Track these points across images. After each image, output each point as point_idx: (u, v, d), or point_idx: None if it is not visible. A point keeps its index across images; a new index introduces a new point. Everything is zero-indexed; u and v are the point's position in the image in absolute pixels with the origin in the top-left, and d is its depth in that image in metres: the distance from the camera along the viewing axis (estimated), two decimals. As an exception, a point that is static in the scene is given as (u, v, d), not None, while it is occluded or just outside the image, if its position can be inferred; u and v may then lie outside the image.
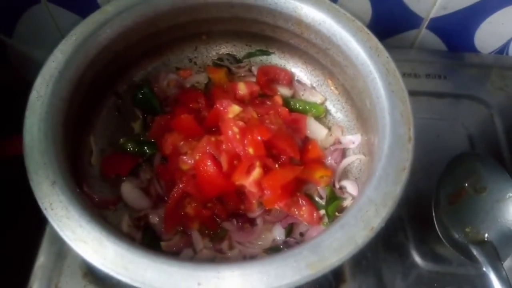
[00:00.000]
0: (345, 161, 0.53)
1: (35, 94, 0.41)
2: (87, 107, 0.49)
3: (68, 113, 0.43)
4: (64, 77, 0.43)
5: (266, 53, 0.60)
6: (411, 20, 0.68)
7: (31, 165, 0.37)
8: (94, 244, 0.34)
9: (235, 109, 0.49)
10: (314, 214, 0.49)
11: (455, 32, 0.70)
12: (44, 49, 0.68)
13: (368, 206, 0.38)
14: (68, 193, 0.36)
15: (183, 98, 0.56)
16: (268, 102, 0.56)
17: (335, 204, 0.49)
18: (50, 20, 0.71)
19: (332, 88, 0.57)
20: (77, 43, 0.45)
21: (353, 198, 0.49)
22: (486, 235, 0.51)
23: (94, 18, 0.47)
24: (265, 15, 0.53)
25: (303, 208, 0.49)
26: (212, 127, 0.51)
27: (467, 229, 0.52)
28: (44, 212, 0.36)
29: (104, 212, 0.48)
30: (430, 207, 0.53)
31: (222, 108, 0.49)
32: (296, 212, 0.49)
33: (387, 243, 0.54)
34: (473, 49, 0.73)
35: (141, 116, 0.56)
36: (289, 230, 0.50)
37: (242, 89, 0.56)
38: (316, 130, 0.55)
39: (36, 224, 0.51)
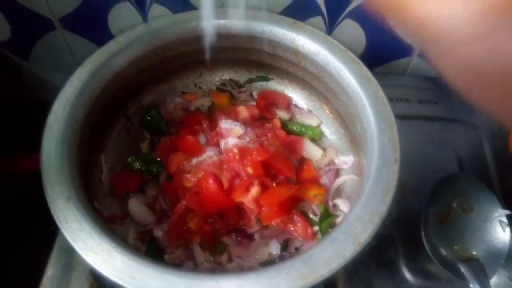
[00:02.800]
0: (338, 181, 0.56)
1: (53, 117, 0.45)
2: (99, 129, 0.52)
3: (82, 134, 0.46)
4: (79, 102, 0.47)
5: (266, 79, 0.64)
6: (403, 49, 0.71)
7: (48, 182, 0.41)
8: (104, 254, 0.37)
9: (236, 131, 0.53)
10: (308, 230, 0.51)
11: None
12: (57, 72, 0.71)
13: (356, 222, 0.41)
14: (81, 208, 0.40)
15: (188, 120, 0.59)
16: (267, 125, 0.59)
17: (328, 221, 0.52)
18: (64, 46, 0.75)
19: (327, 112, 0.61)
20: (92, 70, 0.49)
21: (342, 216, 0.52)
22: (474, 253, 0.53)
23: (108, 48, 0.51)
24: (265, 45, 0.57)
25: (298, 224, 0.52)
26: (214, 146, 0.54)
27: (455, 247, 0.54)
28: (59, 225, 0.39)
29: (112, 226, 0.51)
30: (420, 225, 0.54)
31: (224, 130, 0.53)
32: (292, 228, 0.52)
33: (379, 259, 0.56)
34: None
35: (148, 137, 0.59)
36: (285, 245, 0.52)
37: (243, 112, 0.59)
38: (312, 151, 0.58)
39: (45, 237, 0.54)
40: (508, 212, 0.54)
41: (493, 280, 0.53)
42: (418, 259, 0.57)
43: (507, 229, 0.53)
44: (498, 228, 0.55)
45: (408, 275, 0.55)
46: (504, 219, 0.54)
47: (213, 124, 0.57)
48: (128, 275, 0.36)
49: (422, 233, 0.54)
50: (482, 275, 0.50)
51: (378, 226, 0.40)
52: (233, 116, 0.59)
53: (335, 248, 0.39)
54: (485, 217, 0.55)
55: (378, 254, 0.56)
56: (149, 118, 0.59)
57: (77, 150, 0.45)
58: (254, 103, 0.62)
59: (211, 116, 0.60)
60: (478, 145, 0.68)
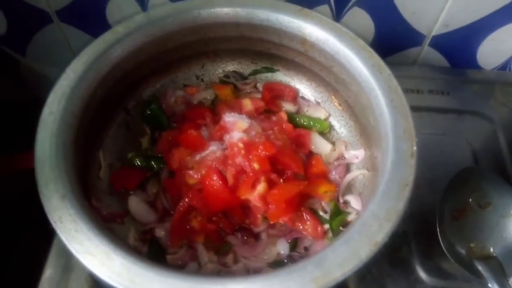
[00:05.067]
0: (349, 176, 0.53)
1: (47, 110, 0.43)
2: (97, 123, 0.50)
3: (79, 129, 0.44)
4: (75, 94, 0.44)
5: (271, 70, 0.61)
6: (413, 38, 0.69)
7: (42, 179, 0.38)
8: (102, 257, 0.35)
9: (241, 124, 0.50)
10: (319, 229, 0.49)
11: (458, 49, 0.71)
12: (56, 67, 0.69)
13: (372, 221, 0.38)
14: (77, 207, 0.37)
15: (190, 114, 0.57)
16: (273, 118, 0.56)
17: (339, 219, 0.49)
18: (62, 39, 0.73)
19: (336, 104, 0.58)
20: (88, 62, 0.47)
21: (357, 212, 0.50)
22: (492, 250, 0.51)
23: (105, 38, 0.49)
24: (270, 34, 0.54)
25: (308, 222, 0.49)
26: (218, 141, 0.51)
27: (471, 245, 0.52)
28: (53, 225, 0.37)
29: (111, 225, 0.48)
30: (434, 222, 0.53)
31: (228, 124, 0.50)
32: (301, 227, 0.49)
33: (392, 258, 0.54)
34: (475, 65, 0.73)
35: (149, 132, 0.57)
36: (294, 245, 0.50)
37: (247, 105, 0.57)
38: (320, 145, 0.56)
39: (43, 237, 0.52)
40: (528, 207, 0.52)
41: None
42: (433, 258, 0.55)
43: (527, 225, 0.51)
44: (517, 224, 0.52)
45: (422, 274, 0.54)
46: (523, 215, 0.52)
47: (217, 118, 0.55)
48: (127, 279, 0.34)
49: (438, 230, 0.52)
50: (501, 274, 0.48)
51: (395, 224, 0.38)
52: (237, 109, 0.56)
53: (349, 249, 0.36)
54: (503, 212, 0.53)
55: (391, 253, 0.55)
56: (149, 112, 0.57)
57: (73, 145, 0.42)
58: (259, 96, 0.60)
59: (214, 109, 0.58)
60: (493, 137, 0.66)
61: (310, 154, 0.56)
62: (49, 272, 0.51)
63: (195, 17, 0.53)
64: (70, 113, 0.43)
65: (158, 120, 0.57)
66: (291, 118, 0.57)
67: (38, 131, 0.41)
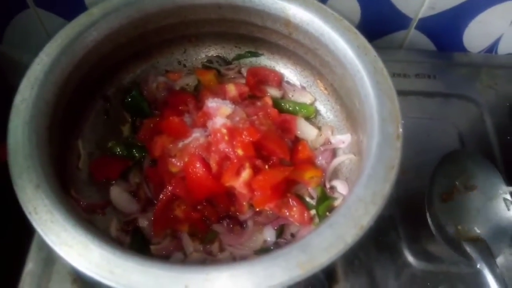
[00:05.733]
0: (336, 161, 0.53)
1: (20, 97, 0.41)
2: (74, 111, 0.48)
3: (54, 117, 0.42)
4: (49, 80, 0.42)
5: (255, 54, 0.60)
6: (399, 21, 0.69)
7: (15, 168, 0.37)
8: (79, 248, 0.33)
9: (224, 110, 0.49)
10: (305, 215, 0.48)
11: (444, 32, 0.71)
12: (33, 54, 0.67)
13: (357, 204, 0.37)
14: (52, 197, 0.36)
15: (172, 101, 0.55)
16: (258, 103, 0.55)
17: (325, 204, 0.49)
18: (39, 25, 0.71)
19: (321, 88, 0.57)
20: (62, 45, 0.45)
21: (344, 197, 0.49)
22: (479, 232, 0.51)
23: (80, 21, 0.47)
24: (253, 16, 0.53)
25: (294, 208, 0.49)
26: (201, 128, 0.50)
27: (459, 227, 0.52)
28: (28, 216, 0.35)
29: (92, 216, 0.47)
30: (421, 206, 0.53)
31: (211, 110, 0.49)
32: (287, 213, 0.49)
33: (379, 242, 0.54)
34: (462, 48, 0.73)
35: (130, 119, 0.56)
36: (280, 231, 0.49)
37: (231, 90, 0.55)
38: (306, 131, 0.55)
39: (24, 230, 0.50)
40: (512, 189, 0.52)
41: (499, 260, 0.52)
42: (421, 241, 0.55)
43: (512, 207, 0.51)
44: (502, 206, 0.53)
45: (410, 258, 0.54)
46: (509, 197, 0.53)
47: (200, 105, 0.54)
48: (107, 269, 0.32)
49: (427, 212, 0.51)
50: (489, 255, 0.49)
51: (381, 208, 0.37)
52: (221, 95, 0.55)
53: (335, 233, 0.35)
54: (489, 194, 0.54)
55: (378, 237, 0.55)
56: (129, 99, 0.56)
57: (48, 133, 0.41)
58: (243, 81, 0.59)
59: (197, 95, 0.57)
60: (480, 120, 0.66)
61: (296, 140, 0.55)
62: (30, 266, 0.50)
63: (175, -2, 0.51)
64: (44, 100, 0.41)
65: (139, 107, 0.56)
66: (276, 103, 0.56)
67: (11, 119, 0.40)
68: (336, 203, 0.49)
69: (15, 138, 0.38)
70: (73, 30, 0.46)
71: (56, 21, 0.69)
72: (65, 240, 0.34)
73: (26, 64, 0.77)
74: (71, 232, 0.34)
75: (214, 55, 0.61)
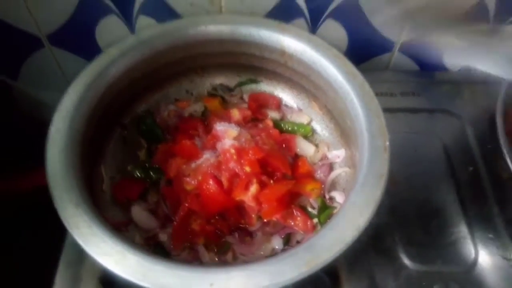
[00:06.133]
0: (333, 174, 0.58)
1: (54, 128, 0.46)
2: (97, 139, 0.53)
3: (83, 145, 0.48)
4: (78, 112, 0.48)
5: (255, 81, 0.66)
6: (384, 45, 0.73)
7: (56, 190, 0.42)
8: (117, 256, 0.38)
9: (231, 132, 0.54)
10: (308, 223, 0.53)
11: (425, 53, 0.75)
12: (47, 89, 0.72)
13: (353, 209, 0.43)
14: (90, 214, 0.41)
15: (183, 126, 0.61)
16: (260, 125, 0.61)
17: (326, 213, 0.54)
18: (53, 62, 0.75)
19: (316, 109, 0.63)
20: (87, 82, 0.50)
21: (339, 207, 0.54)
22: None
23: (101, 60, 0.53)
24: (252, 48, 0.59)
25: (298, 218, 0.53)
26: (211, 149, 0.55)
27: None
28: (70, 231, 0.40)
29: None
30: (414, 213, 0.57)
31: (219, 132, 0.55)
32: (292, 223, 0.53)
33: (377, 247, 0.58)
34: (442, 67, 0.78)
35: (145, 145, 0.61)
36: (287, 240, 0.54)
37: (235, 115, 0.61)
38: (305, 148, 0.60)
39: (50, 252, 0.54)
40: None
41: (485, 258, 0.56)
42: (415, 245, 0.58)
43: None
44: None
45: (406, 260, 0.57)
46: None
47: (208, 128, 0.59)
48: (141, 273, 0.37)
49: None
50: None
51: (375, 210, 0.42)
52: (227, 119, 0.60)
53: (335, 234, 0.40)
54: None
55: (377, 243, 0.58)
56: (144, 127, 0.61)
57: (79, 160, 0.46)
58: (246, 106, 0.64)
59: (205, 120, 0.62)
60: (462, 133, 0.70)
61: (296, 157, 0.60)
62: (58, 284, 0.52)
63: (182, 36, 0.57)
64: (75, 130, 0.47)
65: (153, 133, 0.61)
66: (277, 124, 0.62)
67: (47, 148, 0.45)
68: (335, 211, 0.54)
69: (53, 164, 0.43)
70: (95, 68, 0.52)
71: (69, 57, 0.73)
72: (104, 250, 0.39)
73: (40, 98, 0.81)
74: (109, 243, 0.39)
75: (218, 83, 0.66)
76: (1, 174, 0.67)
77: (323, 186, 0.57)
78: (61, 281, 0.53)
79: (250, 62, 0.62)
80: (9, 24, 0.65)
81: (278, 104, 0.64)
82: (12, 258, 0.64)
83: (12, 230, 0.67)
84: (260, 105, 0.64)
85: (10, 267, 0.62)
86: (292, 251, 0.40)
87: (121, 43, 0.55)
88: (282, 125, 0.62)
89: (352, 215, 0.42)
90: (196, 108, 0.64)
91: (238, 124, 0.59)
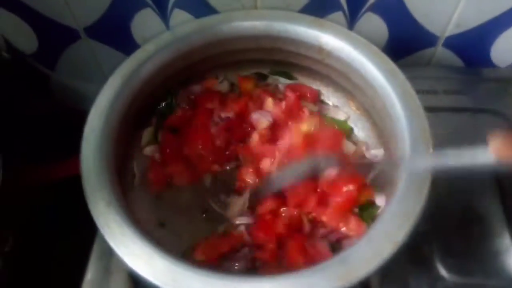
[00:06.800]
0: (371, 174, 0.54)
1: (89, 126, 0.47)
2: (130, 136, 0.54)
3: (117, 142, 0.48)
4: (114, 109, 0.48)
5: (290, 77, 0.64)
6: (426, 39, 0.70)
7: (89, 188, 0.42)
8: (146, 258, 0.38)
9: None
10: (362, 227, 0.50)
11: (471, 48, 0.72)
12: (83, 80, 0.73)
13: (391, 222, 0.40)
14: (121, 213, 0.41)
15: (200, 100, 0.60)
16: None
17: (370, 212, 0.51)
18: (90, 54, 0.77)
19: (353, 108, 0.61)
20: (124, 78, 0.50)
21: (381, 208, 0.52)
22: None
23: (137, 56, 0.52)
24: (288, 44, 0.57)
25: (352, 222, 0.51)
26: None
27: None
28: (101, 229, 0.40)
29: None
30: (453, 222, 0.54)
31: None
32: (344, 228, 0.51)
33: (413, 256, 0.55)
34: (490, 63, 0.74)
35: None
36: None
37: (269, 106, 0.59)
38: (346, 146, 0.58)
39: (82, 243, 0.55)
40: None
41: None
42: (454, 255, 0.55)
43: None
44: None
45: (443, 271, 0.54)
46: None
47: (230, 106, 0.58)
48: (170, 277, 0.37)
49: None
50: None
51: (415, 224, 0.40)
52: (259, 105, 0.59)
53: (371, 248, 0.39)
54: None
55: (412, 252, 0.55)
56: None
57: (113, 157, 0.46)
58: (281, 96, 0.61)
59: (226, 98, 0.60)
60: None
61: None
62: (90, 275, 0.52)
63: (217, 32, 0.56)
64: (110, 127, 0.47)
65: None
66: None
67: (83, 146, 0.45)
68: (378, 212, 0.52)
69: (87, 162, 0.44)
70: (132, 64, 0.52)
71: (105, 50, 0.74)
72: (134, 251, 0.39)
73: (76, 88, 0.83)
74: (138, 244, 0.39)
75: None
76: (38, 162, 0.69)
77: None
78: (92, 272, 0.54)
79: (285, 58, 0.61)
80: (48, 17, 0.66)
81: (316, 96, 0.62)
82: (47, 245, 0.66)
83: (50, 218, 0.69)
84: (298, 96, 0.60)
85: (45, 256, 0.64)
86: (326, 263, 0.38)
87: (157, 39, 0.55)
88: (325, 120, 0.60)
89: (390, 229, 0.40)
90: (222, 88, 0.63)
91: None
